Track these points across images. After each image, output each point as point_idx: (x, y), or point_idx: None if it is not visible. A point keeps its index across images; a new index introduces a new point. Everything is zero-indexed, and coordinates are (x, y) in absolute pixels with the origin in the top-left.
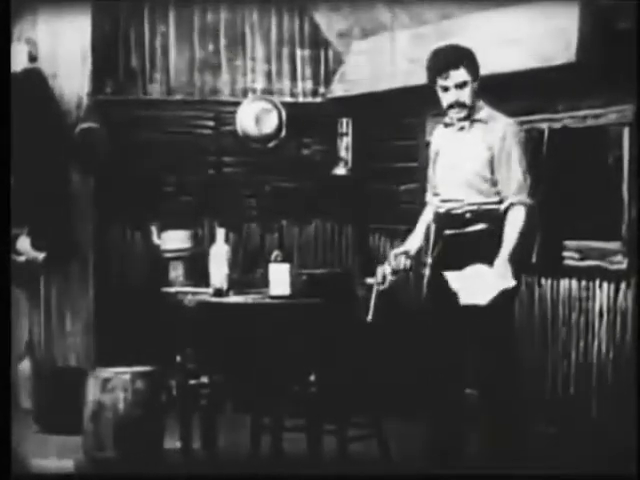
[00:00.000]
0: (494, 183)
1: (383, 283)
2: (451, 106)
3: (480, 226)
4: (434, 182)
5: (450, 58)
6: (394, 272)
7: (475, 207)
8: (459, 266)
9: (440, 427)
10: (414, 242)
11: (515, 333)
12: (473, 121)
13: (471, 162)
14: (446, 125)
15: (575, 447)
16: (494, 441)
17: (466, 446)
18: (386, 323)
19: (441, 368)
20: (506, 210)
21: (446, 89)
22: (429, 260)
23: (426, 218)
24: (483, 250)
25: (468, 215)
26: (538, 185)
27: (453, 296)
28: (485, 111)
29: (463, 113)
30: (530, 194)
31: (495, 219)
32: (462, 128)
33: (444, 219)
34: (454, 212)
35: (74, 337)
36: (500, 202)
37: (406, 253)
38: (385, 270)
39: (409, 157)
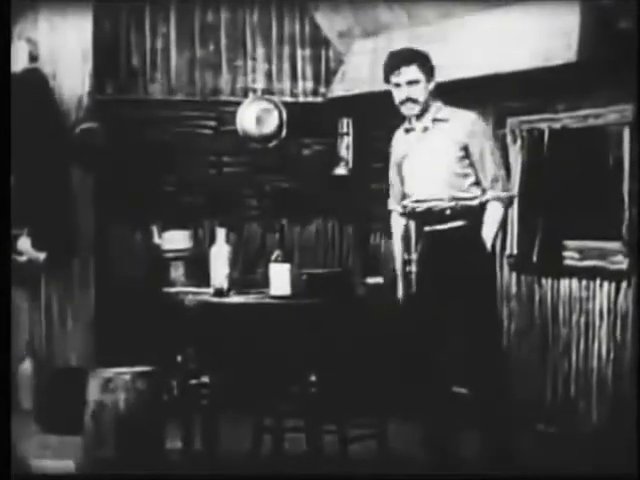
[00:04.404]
0: (468, 177)
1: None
2: (402, 102)
3: (459, 222)
4: (399, 187)
5: (402, 56)
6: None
7: (453, 203)
8: (444, 261)
9: (436, 425)
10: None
11: (500, 325)
12: (435, 120)
13: (441, 160)
14: (407, 130)
15: (575, 447)
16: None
17: (463, 445)
18: (385, 322)
19: (432, 364)
20: (483, 207)
21: (398, 85)
22: (414, 257)
23: (398, 227)
24: (465, 245)
25: (448, 212)
26: (539, 184)
27: (443, 291)
28: (446, 110)
29: (416, 109)
30: (505, 187)
31: (474, 214)
32: (426, 129)
33: (424, 217)
34: (434, 209)
35: (75, 337)
36: (475, 198)
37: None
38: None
39: None
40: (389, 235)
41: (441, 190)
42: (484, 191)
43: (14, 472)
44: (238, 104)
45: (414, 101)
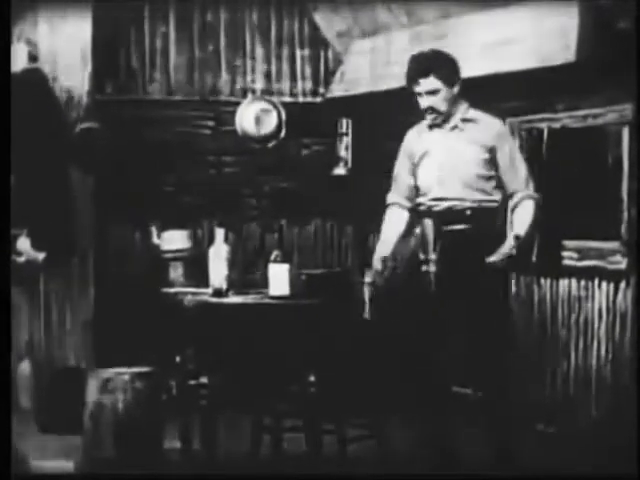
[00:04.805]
0: (491, 180)
1: (374, 284)
2: (425, 111)
3: (479, 223)
4: (410, 182)
5: (420, 66)
6: (382, 273)
7: (475, 205)
8: (465, 261)
9: (435, 425)
10: (389, 246)
11: (512, 327)
12: (464, 120)
13: (468, 161)
14: (431, 127)
15: (575, 447)
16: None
17: (463, 445)
18: (386, 322)
19: (439, 363)
20: (514, 206)
21: (419, 94)
22: (433, 256)
23: (397, 221)
24: (485, 246)
25: (468, 212)
26: (538, 184)
27: (464, 291)
28: (472, 112)
29: (439, 119)
30: (535, 189)
31: (494, 216)
32: (455, 127)
33: (443, 216)
34: (454, 209)
35: (74, 337)
36: (496, 201)
37: (386, 258)
38: (375, 272)
39: None
40: None
41: (463, 190)
42: (512, 194)
43: (14, 472)
44: (237, 104)
45: (436, 111)
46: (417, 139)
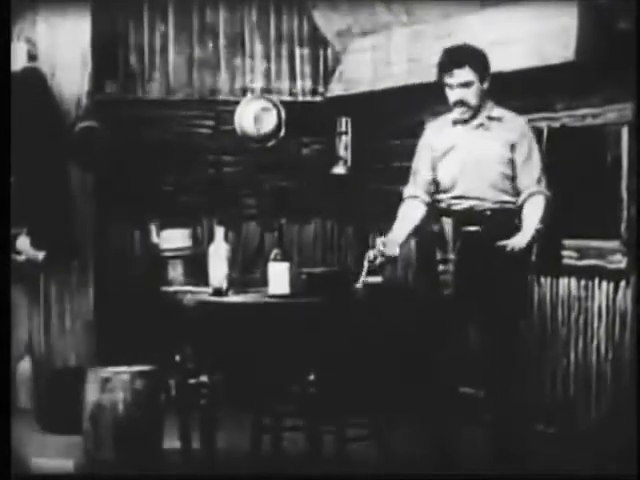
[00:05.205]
0: (514, 180)
1: (374, 261)
2: (455, 104)
3: (499, 224)
4: (429, 176)
5: (456, 57)
6: (382, 255)
7: (497, 206)
8: (484, 263)
9: (436, 425)
10: (401, 232)
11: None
12: (490, 119)
13: (494, 159)
14: (455, 122)
15: (575, 447)
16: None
17: (463, 445)
18: (387, 322)
19: (453, 363)
20: (523, 201)
21: (450, 86)
22: (451, 256)
23: (414, 213)
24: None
25: (489, 213)
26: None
27: (483, 292)
28: (498, 110)
29: (468, 113)
30: (547, 188)
31: (514, 217)
32: (481, 125)
33: (463, 215)
34: (476, 209)
35: (74, 336)
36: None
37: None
38: (376, 252)
39: (409, 156)
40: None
41: (486, 190)
42: (522, 190)
43: (14, 472)
44: (236, 103)
45: (466, 104)
46: (438, 134)
